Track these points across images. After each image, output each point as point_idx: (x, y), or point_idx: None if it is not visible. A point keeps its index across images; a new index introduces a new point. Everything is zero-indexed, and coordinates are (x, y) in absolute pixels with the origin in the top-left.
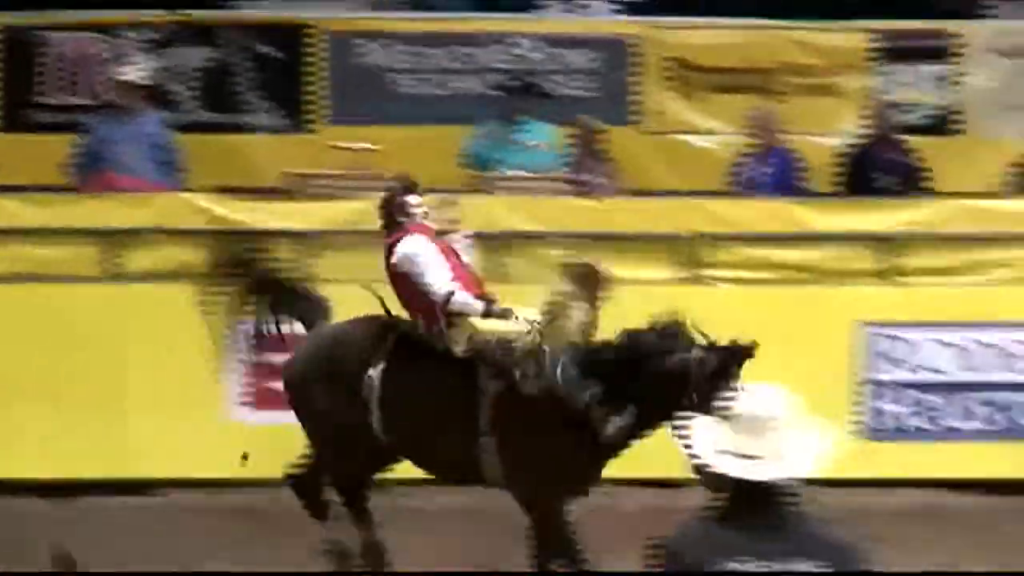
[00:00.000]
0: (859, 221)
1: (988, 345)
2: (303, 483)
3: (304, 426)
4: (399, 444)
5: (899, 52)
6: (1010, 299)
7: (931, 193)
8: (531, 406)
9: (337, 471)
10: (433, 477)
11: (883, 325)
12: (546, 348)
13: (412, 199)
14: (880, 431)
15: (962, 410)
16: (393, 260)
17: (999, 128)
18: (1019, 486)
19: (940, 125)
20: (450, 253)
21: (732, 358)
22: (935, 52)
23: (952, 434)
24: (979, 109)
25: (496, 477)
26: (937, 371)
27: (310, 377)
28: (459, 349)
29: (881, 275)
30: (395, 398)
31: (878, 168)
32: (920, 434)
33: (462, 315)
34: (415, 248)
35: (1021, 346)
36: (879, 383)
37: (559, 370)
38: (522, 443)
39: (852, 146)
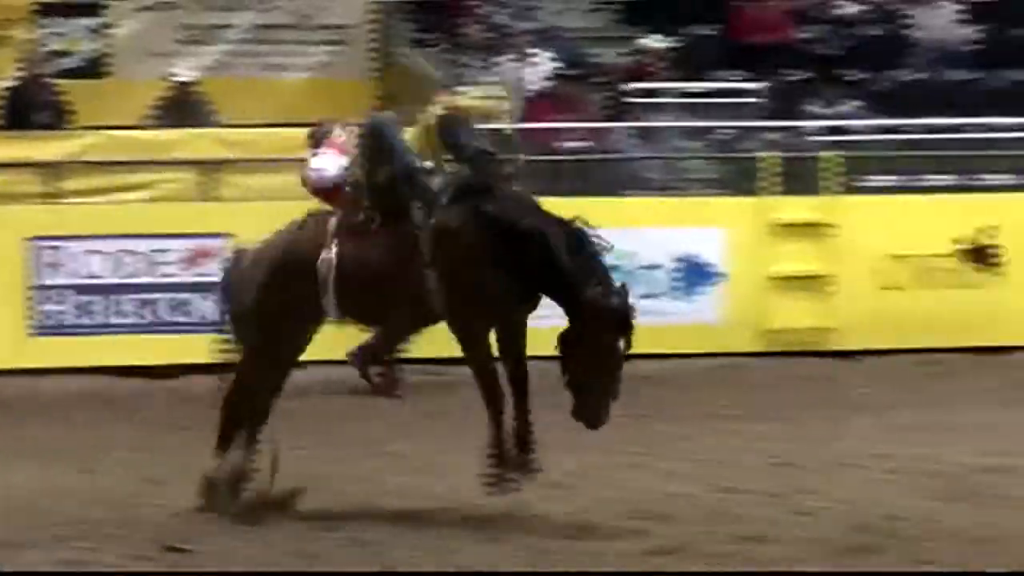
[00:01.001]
0: (23, 151)
1: (135, 253)
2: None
3: (240, 332)
4: (352, 312)
5: (58, 8)
6: (152, 215)
7: (84, 127)
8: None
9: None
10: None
11: (47, 239)
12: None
13: (337, 129)
14: (48, 328)
15: (116, 308)
16: (307, 177)
17: (143, 71)
18: (166, 370)
19: (92, 69)
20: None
21: None
22: (90, 7)
23: (109, 328)
24: (126, 55)
25: (441, 309)
26: (94, 276)
27: (279, 268)
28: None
29: (45, 197)
30: (348, 272)
31: (34, 107)
32: (82, 329)
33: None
34: (319, 161)
35: (162, 254)
36: (45, 288)
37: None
38: (456, 272)
39: (11, 88)
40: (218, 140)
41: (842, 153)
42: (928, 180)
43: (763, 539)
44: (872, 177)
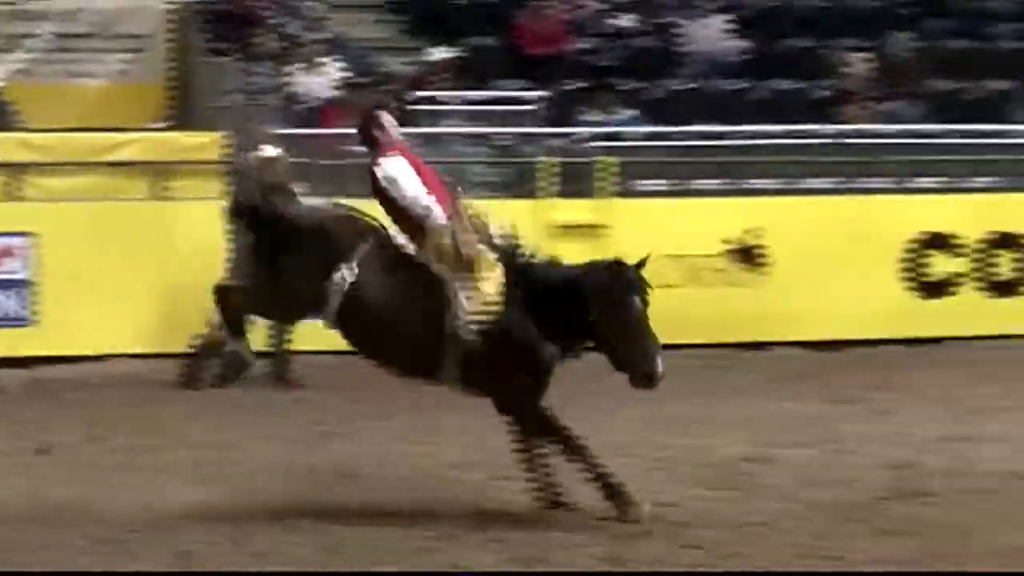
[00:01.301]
0: None
1: None
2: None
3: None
4: (352, 337)
5: None
6: None
7: None
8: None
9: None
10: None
11: None
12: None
13: (386, 117)
14: None
15: None
16: (378, 181)
17: None
18: None
19: None
20: (422, 166)
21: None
22: None
23: None
24: None
25: (453, 379)
26: None
27: (291, 245)
28: (434, 266)
29: None
30: (360, 300)
31: None
32: None
33: (436, 232)
34: (396, 169)
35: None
36: None
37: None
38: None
39: None
40: (23, 143)
41: (617, 158)
42: (698, 184)
43: (535, 524)
44: (645, 181)
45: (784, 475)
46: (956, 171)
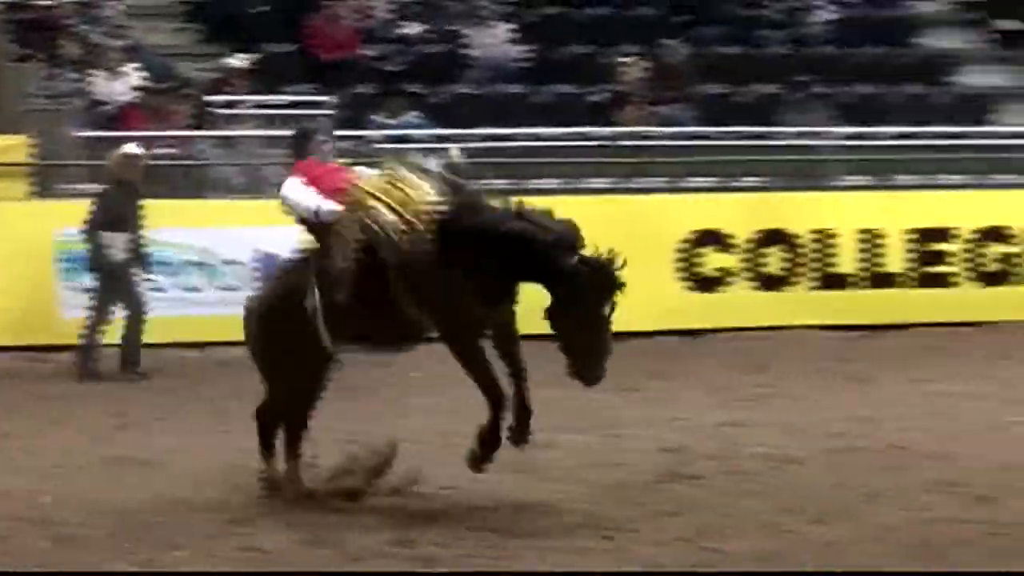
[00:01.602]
0: None
1: None
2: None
3: (261, 362)
4: (346, 341)
5: None
6: None
7: None
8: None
9: (290, 404)
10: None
11: None
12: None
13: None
14: None
15: None
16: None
17: None
18: None
19: None
20: (321, 174)
21: None
22: None
23: None
24: None
25: (428, 326)
26: None
27: (273, 315)
28: (354, 243)
29: None
30: (331, 308)
31: None
32: None
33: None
34: (286, 191)
35: None
36: None
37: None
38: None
39: None
40: None
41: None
42: (484, 184)
43: (337, 508)
44: None
45: (567, 459)
46: (727, 171)
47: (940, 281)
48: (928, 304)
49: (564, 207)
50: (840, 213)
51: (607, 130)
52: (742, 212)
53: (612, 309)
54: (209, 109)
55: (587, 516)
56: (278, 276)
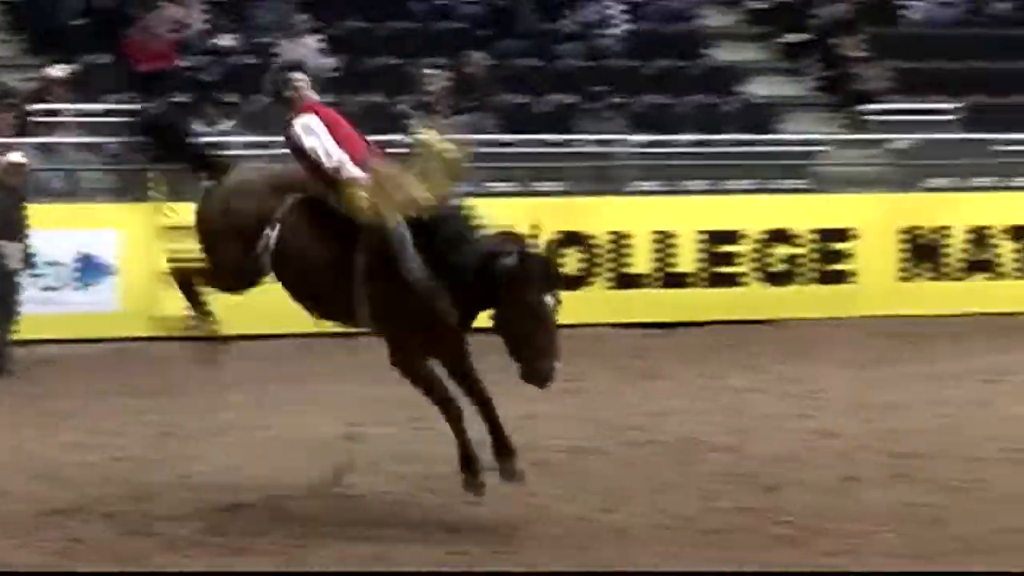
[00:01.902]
0: None
1: None
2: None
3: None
4: (286, 284)
5: None
6: None
7: None
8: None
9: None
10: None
11: None
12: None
13: (297, 75)
14: None
15: None
16: (290, 138)
17: None
18: None
19: None
20: (339, 124)
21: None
22: None
23: None
24: None
25: (365, 320)
26: None
27: (215, 227)
28: (362, 217)
29: None
30: (288, 254)
31: None
32: None
33: (350, 184)
34: (308, 125)
35: None
36: None
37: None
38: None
39: None
40: None
41: None
42: None
43: (150, 499)
44: None
45: (373, 451)
46: (525, 177)
47: (729, 281)
48: (719, 303)
49: None
50: (634, 216)
51: (409, 139)
52: (540, 215)
53: (556, 302)
54: (31, 118)
55: (395, 507)
56: (255, 183)
